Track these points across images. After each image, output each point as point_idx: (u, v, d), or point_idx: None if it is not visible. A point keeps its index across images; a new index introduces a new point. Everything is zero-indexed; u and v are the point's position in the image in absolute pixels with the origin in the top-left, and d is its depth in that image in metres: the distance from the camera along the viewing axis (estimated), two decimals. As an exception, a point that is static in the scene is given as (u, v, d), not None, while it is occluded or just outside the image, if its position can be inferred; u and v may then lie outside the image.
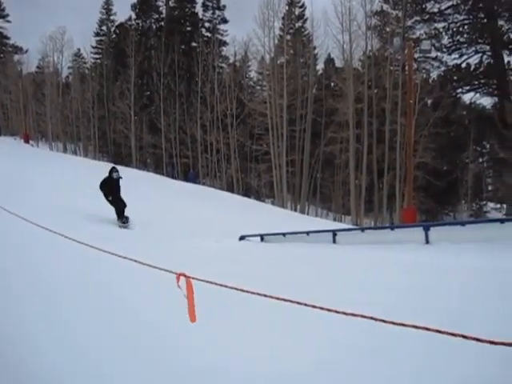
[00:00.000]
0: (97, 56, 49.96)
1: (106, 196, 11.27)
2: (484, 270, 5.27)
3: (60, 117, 47.36)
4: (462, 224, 9.86)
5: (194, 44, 41.99)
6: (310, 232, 11.15)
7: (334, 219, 31.60)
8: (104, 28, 49.88)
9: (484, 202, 36.64)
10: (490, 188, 37.65)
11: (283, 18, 36.43)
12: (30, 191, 12.93)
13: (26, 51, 55.14)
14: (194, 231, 11.97)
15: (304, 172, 32.80)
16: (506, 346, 2.05)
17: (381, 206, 30.43)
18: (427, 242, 8.66)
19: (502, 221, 8.62)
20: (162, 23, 44.40)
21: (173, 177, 34.19)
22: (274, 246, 10.99)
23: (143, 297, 4.16)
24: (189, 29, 43.06)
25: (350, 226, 20.41)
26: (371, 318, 2.38)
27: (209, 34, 42.22)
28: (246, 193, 35.03)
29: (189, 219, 13.95)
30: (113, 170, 11.95)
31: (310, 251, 9.36)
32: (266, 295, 2.34)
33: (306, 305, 2.36)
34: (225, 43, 41.99)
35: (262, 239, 12.07)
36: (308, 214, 32.06)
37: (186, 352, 2.94)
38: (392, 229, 10.90)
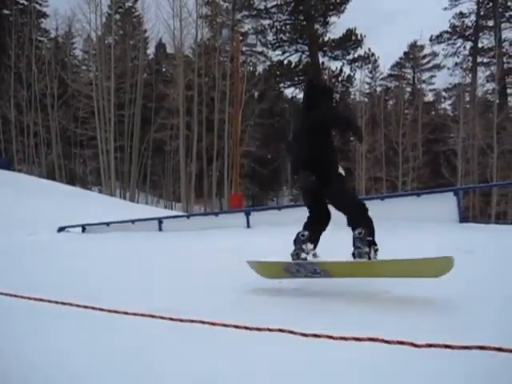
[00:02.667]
0: None
1: None
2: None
3: None
4: (279, 209, 10.96)
5: (6, 12, 36.92)
6: (135, 220, 10.84)
7: (165, 206, 31.46)
8: None
9: (303, 188, 40.54)
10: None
11: (111, -5, 34.41)
12: None
13: None
14: (3, 224, 10.61)
15: (133, 158, 31.75)
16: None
17: (210, 192, 31.29)
18: (248, 226, 9.35)
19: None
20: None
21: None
22: (96, 236, 10.35)
23: None
24: (-1, -7, 37.68)
25: (177, 213, 20.50)
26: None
27: (25, 2, 37.52)
28: (71, 180, 32.46)
29: None
30: None
31: (134, 240, 9.10)
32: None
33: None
34: (44, 15, 37.82)
35: (83, 230, 11.26)
36: (138, 201, 31.25)
37: None
38: (217, 215, 11.32)
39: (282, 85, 40.23)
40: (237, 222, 9.55)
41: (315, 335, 2.09)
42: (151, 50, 38.91)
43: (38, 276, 5.08)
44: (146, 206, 27.05)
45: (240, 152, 26.42)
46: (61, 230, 11.15)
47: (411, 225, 6.87)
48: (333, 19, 38.25)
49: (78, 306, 2.47)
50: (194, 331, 2.52)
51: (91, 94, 30.39)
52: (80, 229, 11.30)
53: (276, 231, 7.55)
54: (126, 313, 2.57)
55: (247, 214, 9.76)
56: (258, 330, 2.21)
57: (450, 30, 37.49)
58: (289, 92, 41.17)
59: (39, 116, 31.62)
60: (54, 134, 31.89)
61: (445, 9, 37.06)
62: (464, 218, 8.01)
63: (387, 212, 7.37)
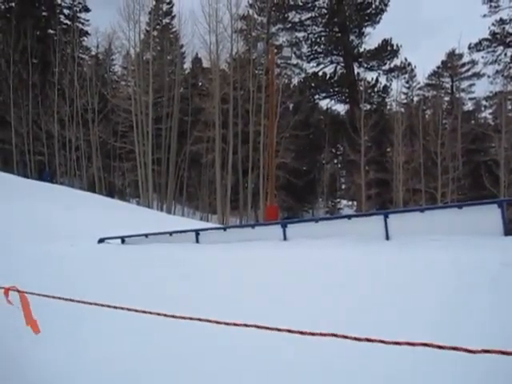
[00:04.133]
0: None
1: None
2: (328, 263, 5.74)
3: None
4: (316, 221, 10.76)
5: (50, 31, 38.60)
6: (173, 232, 10.96)
7: (201, 218, 31.73)
8: None
9: (338, 200, 40.12)
10: (343, 187, 41.36)
11: (150, 13, 35.44)
12: None
13: None
14: (45, 235, 10.94)
15: (170, 171, 32.32)
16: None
17: (246, 204, 31.41)
18: (285, 238, 9.26)
19: (349, 217, 9.62)
20: (13, 4, 39.96)
21: (25, 176, 30.99)
22: (135, 248, 10.54)
23: None
24: (45, 14, 39.45)
25: (214, 225, 20.63)
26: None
27: (68, 22, 39.16)
28: (110, 193, 33.29)
29: (39, 221, 12.68)
30: None
31: (171, 252, 9.18)
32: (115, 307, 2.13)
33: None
34: (86, 33, 39.33)
35: (122, 241, 11.48)
36: (175, 213, 31.70)
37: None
38: (253, 227, 11.28)
39: (316, 96, 40.20)
40: (273, 234, 9.45)
41: (368, 339, 2.03)
42: (188, 65, 39.75)
43: (102, 285, 5.17)
44: (183, 218, 27.41)
45: (275, 164, 26.42)
46: (101, 241, 11.36)
47: (453, 238, 6.66)
48: (368, 30, 38.08)
49: (184, 317, 2.51)
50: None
51: (130, 109, 31.25)
52: (119, 240, 11.51)
53: (314, 244, 7.48)
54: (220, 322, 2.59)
55: (284, 226, 9.62)
56: (312, 334, 2.17)
57: (489, 37, 36.51)
58: (324, 103, 41.13)
59: (81, 130, 32.72)
60: (94, 147, 32.89)
61: (484, 16, 36.16)
62: (509, 230, 7.68)
63: (427, 224, 7.18)
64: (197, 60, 38.96)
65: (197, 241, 10.78)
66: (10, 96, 33.52)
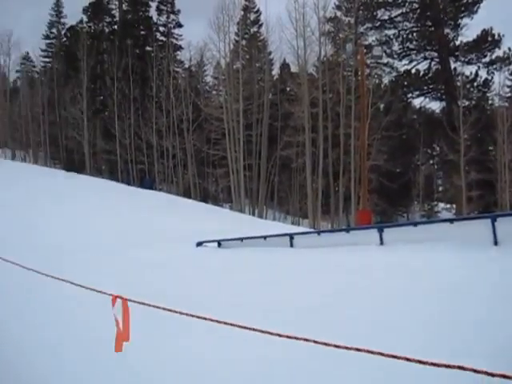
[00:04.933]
0: (47, 59, 48.29)
1: None
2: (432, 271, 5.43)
3: (7, 122, 45.34)
4: (415, 224, 10.20)
5: (148, 48, 41.30)
6: (267, 236, 11.11)
7: (292, 223, 31.82)
8: (54, 31, 48.29)
9: (435, 203, 37.95)
10: (440, 189, 39.06)
11: (238, 23, 36.47)
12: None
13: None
14: (147, 239, 11.65)
15: (261, 176, 32.87)
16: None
17: (337, 208, 30.91)
18: (382, 243, 8.87)
19: (451, 221, 8.97)
20: (115, 27, 43.44)
21: (128, 183, 33.39)
22: (231, 251, 10.86)
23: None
24: (143, 33, 42.31)
25: (307, 230, 20.57)
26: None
27: (163, 38, 41.66)
28: (204, 198, 34.70)
29: (142, 226, 13.58)
30: None
31: (265, 256, 9.28)
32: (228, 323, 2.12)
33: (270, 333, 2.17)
34: (180, 48, 41.59)
35: (219, 245, 11.91)
36: (266, 217, 32.12)
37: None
38: (347, 231, 11.06)
39: (409, 95, 38.43)
40: (369, 238, 9.04)
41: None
42: (276, 71, 40.28)
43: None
44: (274, 222, 27.69)
45: (367, 166, 25.71)
46: (199, 244, 11.80)
47: None
48: (465, 21, 35.64)
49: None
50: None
51: (222, 117, 32.35)
52: (216, 244, 11.88)
53: (414, 249, 7.09)
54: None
55: (380, 231, 9.18)
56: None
57: None
58: (417, 102, 39.21)
59: (177, 140, 34.55)
60: (189, 155, 34.53)
61: None
62: None
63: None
64: (285, 65, 39.32)
65: (291, 245, 10.79)
66: (115, 110, 36.45)
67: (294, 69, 36.65)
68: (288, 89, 38.60)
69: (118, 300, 2.30)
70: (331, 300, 4.44)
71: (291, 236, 11.11)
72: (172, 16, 42.64)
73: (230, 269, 7.64)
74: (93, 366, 2.99)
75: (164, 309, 2.26)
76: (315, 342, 1.65)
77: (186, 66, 41.20)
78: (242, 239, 11.45)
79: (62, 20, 48.55)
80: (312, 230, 22.48)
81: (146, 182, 32.88)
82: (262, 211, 33.03)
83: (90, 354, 3.15)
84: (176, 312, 2.16)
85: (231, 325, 1.89)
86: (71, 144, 40.22)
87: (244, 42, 38.11)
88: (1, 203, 13.83)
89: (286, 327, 1.92)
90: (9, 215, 11.95)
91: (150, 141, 35.24)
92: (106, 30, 43.84)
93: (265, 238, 11.17)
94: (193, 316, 2.06)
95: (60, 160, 43.66)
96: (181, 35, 42.18)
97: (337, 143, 30.77)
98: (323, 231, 15.54)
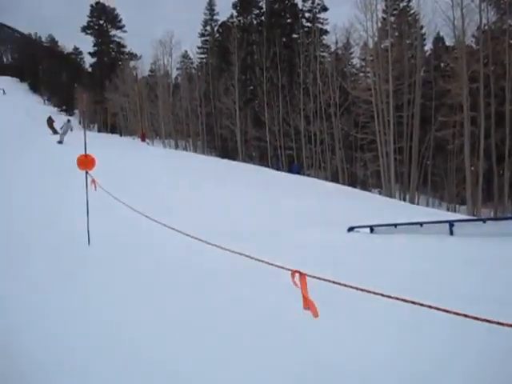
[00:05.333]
0: (202, 56, 52.52)
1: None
2: None
3: (171, 116, 50.62)
4: None
5: (294, 36, 42.13)
6: (424, 223, 10.67)
7: (448, 209, 29.79)
8: (208, 28, 52.20)
9: None
10: None
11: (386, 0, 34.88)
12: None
13: (140, 57, 59.95)
14: (300, 222, 12.13)
15: (413, 160, 31.29)
16: None
17: (501, 194, 27.96)
18: None
19: None
20: (263, 18, 45.11)
21: (277, 169, 34.80)
22: (384, 237, 10.73)
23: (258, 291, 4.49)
24: (289, 21, 43.23)
25: (467, 217, 19.14)
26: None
27: (309, 24, 41.97)
28: (352, 183, 34.43)
29: (295, 210, 14.10)
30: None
31: (422, 244, 8.99)
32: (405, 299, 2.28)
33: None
34: (326, 32, 41.45)
35: (371, 230, 11.81)
36: (418, 203, 30.59)
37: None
38: None
39: None
40: None
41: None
42: (428, 46, 37.65)
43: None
44: (427, 209, 26.26)
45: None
46: (351, 229, 11.78)
47: None
48: None
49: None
50: None
51: (370, 99, 31.54)
52: (368, 229, 11.74)
53: None
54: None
55: None
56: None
57: None
58: None
59: (324, 124, 34.79)
60: (337, 140, 34.54)
61: None
62: None
63: None
64: (438, 39, 36.57)
65: (451, 233, 10.14)
66: (264, 99, 38.17)
67: (449, 42, 33.87)
68: (443, 64, 35.86)
69: (297, 275, 2.53)
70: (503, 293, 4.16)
71: (451, 223, 10.44)
72: (317, 0, 42.67)
73: (381, 256, 7.54)
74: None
75: (335, 283, 2.44)
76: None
77: (332, 49, 40.94)
78: (395, 225, 11.09)
79: (215, 17, 52.21)
80: (473, 217, 20.80)
81: (294, 167, 33.84)
82: (413, 197, 31.53)
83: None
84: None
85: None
86: (225, 132, 43.38)
87: (392, 19, 36.33)
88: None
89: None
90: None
91: (298, 127, 36.13)
92: (254, 22, 45.82)
93: (421, 224, 10.69)
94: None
95: (215, 148, 47.45)
96: (326, 19, 42.07)
97: (501, 121, 27.70)
98: (489, 219, 14.32)
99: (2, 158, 15.19)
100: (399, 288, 2.45)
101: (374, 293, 2.26)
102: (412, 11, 36.80)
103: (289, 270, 2.59)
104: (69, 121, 25.37)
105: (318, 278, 2.50)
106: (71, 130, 23.91)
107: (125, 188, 10.41)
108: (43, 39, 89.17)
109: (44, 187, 11.54)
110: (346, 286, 2.40)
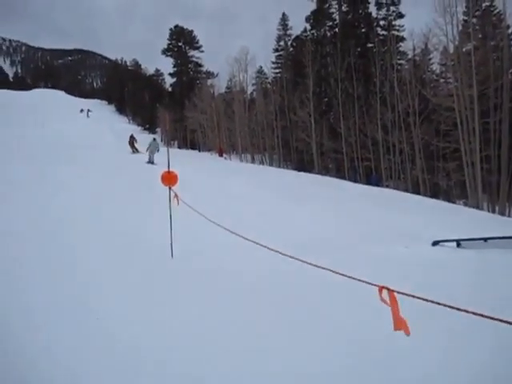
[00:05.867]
0: (277, 70, 53.49)
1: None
2: None
3: (247, 130, 51.91)
4: None
5: (369, 45, 41.53)
6: None
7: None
8: (282, 43, 53.11)
9: None
10: None
11: (467, 1, 33.31)
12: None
13: (217, 75, 62.41)
14: (379, 236, 11.93)
15: (502, 168, 29.34)
16: None
17: None
18: None
19: None
20: (336, 29, 45.03)
21: (355, 180, 34.32)
22: (474, 252, 10.24)
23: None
24: (363, 30, 42.73)
25: None
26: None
27: (384, 32, 41.20)
28: (434, 194, 33.02)
29: (372, 223, 13.91)
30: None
31: None
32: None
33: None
34: (402, 39, 40.40)
35: (458, 245, 11.30)
36: (510, 215, 28.61)
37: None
38: None
39: None
40: None
41: None
42: (516, 46, 35.24)
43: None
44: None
45: None
46: (435, 243, 11.31)
47: None
48: None
49: None
50: None
51: (452, 106, 30.16)
52: (454, 243, 11.19)
53: None
54: None
55: None
56: None
57: None
58: None
59: (403, 134, 33.78)
60: (417, 149, 33.34)
61: None
62: None
63: None
64: (527, 38, 34.18)
65: None
66: (340, 110, 37.96)
67: (541, 40, 31.56)
68: (533, 65, 33.38)
69: (384, 290, 2.39)
70: None
71: (552, 237, 9.76)
72: (392, 8, 41.86)
73: (470, 274, 7.24)
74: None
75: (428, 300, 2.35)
76: None
77: (410, 56, 39.79)
78: (485, 239, 10.53)
79: (288, 32, 53.02)
80: None
81: (372, 178, 33.15)
82: (503, 208, 29.50)
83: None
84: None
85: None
86: (301, 145, 43.60)
87: (474, 20, 34.59)
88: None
89: None
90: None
91: (376, 137, 35.42)
92: (328, 34, 45.84)
93: (515, 238, 10.07)
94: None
95: (291, 160, 47.82)
96: (402, 26, 41.10)
97: None
98: None
99: (101, 178, 16.53)
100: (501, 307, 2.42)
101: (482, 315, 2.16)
102: (496, 11, 34.88)
103: (375, 285, 2.48)
104: (154, 139, 24.84)
105: (412, 296, 2.37)
106: (158, 150, 23.65)
107: (206, 202, 10.94)
108: (128, 63, 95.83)
109: (135, 202, 12.43)
110: (443, 305, 2.31)
